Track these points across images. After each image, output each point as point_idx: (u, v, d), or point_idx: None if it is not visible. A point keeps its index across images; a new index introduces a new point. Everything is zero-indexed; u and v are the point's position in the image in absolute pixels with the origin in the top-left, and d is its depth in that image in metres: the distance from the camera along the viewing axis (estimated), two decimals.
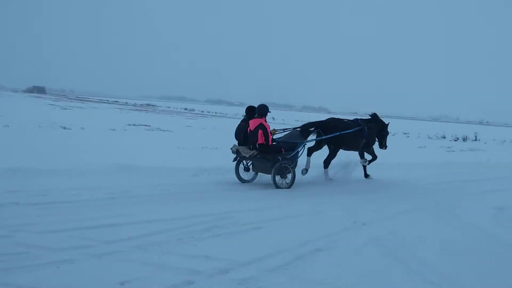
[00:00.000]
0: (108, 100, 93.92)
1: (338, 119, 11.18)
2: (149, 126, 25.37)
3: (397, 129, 47.87)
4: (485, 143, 31.90)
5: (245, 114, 10.05)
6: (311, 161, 10.46)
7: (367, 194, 9.08)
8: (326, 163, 10.57)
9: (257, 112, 9.53)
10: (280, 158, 9.19)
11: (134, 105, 77.03)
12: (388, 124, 11.91)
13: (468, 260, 5.21)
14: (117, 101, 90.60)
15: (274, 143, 9.46)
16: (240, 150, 9.42)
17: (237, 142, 9.91)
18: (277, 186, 9.17)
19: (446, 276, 4.64)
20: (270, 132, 9.31)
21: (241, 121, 10.06)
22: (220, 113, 67.80)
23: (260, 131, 9.08)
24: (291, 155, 9.57)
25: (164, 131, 23.06)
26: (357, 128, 10.79)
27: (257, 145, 9.13)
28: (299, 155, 9.96)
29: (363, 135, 10.90)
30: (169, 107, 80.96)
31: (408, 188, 10.21)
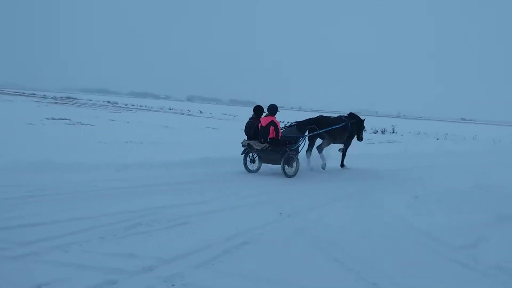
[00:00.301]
0: (24, 93, 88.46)
1: (326, 116, 12.99)
2: (70, 120, 24.26)
3: None
4: (401, 135, 33.81)
5: (253, 113, 11.38)
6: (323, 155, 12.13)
7: (294, 186, 9.31)
8: (320, 149, 12.16)
9: (268, 111, 10.91)
10: (288, 150, 10.54)
11: (53, 97, 73.28)
12: (364, 120, 13.85)
13: (385, 247, 5.48)
14: (34, 94, 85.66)
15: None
16: (251, 143, 10.70)
17: (246, 137, 11.16)
18: (286, 174, 10.44)
19: (365, 262, 4.84)
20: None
21: (250, 119, 11.31)
22: (146, 106, 66.34)
23: (271, 127, 10.50)
24: (295, 147, 10.94)
25: (85, 125, 22.15)
26: (343, 123, 12.63)
27: (268, 139, 10.42)
28: (300, 148, 11.30)
29: (347, 129, 12.77)
30: (91, 100, 77.98)
31: (331, 179, 10.59)
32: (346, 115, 13.45)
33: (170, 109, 61.34)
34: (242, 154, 10.96)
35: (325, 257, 4.97)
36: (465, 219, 6.91)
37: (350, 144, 13.20)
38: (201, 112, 57.15)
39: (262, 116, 11.02)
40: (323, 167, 11.99)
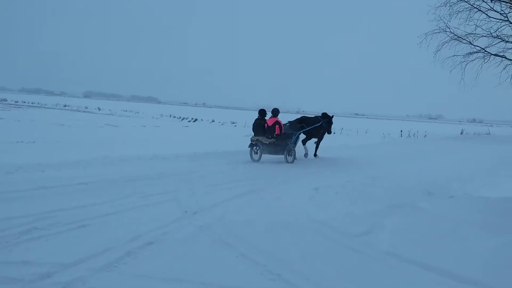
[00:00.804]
0: None
1: (308, 117, 16.11)
2: None
3: (226, 119, 49.77)
4: None
5: (258, 114, 14.13)
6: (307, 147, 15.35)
7: (197, 184, 9.22)
8: (304, 142, 15.33)
9: (273, 113, 14.03)
10: (288, 143, 13.78)
11: None
12: (333, 116, 16.76)
13: (289, 239, 5.67)
14: None
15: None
16: (260, 139, 13.71)
17: (253, 133, 14.06)
18: (287, 161, 13.68)
19: (270, 255, 4.99)
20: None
21: (256, 120, 14.13)
22: (38, 104, 62.19)
23: (277, 126, 13.66)
24: (292, 141, 14.11)
25: None
26: (320, 122, 15.70)
27: (274, 135, 13.51)
28: (297, 141, 14.64)
29: (322, 127, 15.85)
30: None
31: (236, 175, 10.67)
32: (320, 115, 16.53)
33: (65, 106, 58.07)
34: (249, 147, 13.85)
35: (231, 253, 5.03)
36: (360, 208, 7.34)
37: (323, 138, 16.24)
38: (99, 109, 54.83)
39: (267, 118, 14.03)
40: (306, 156, 15.21)
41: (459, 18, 8.10)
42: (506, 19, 7.62)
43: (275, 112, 14.00)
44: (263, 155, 13.99)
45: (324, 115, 16.54)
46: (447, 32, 8.24)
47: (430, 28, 8.31)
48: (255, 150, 13.92)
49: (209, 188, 8.78)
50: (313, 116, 16.56)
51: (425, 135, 37.83)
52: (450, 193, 9.17)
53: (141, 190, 8.14)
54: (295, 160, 13.86)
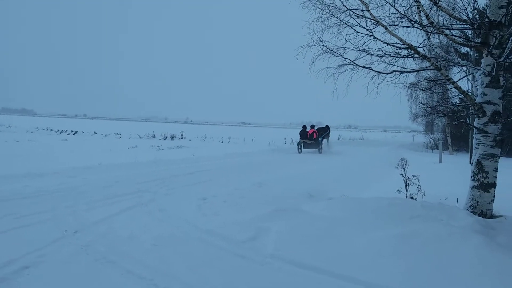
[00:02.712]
0: None
1: (321, 127, 27.95)
2: None
3: (109, 130, 47.85)
4: (190, 140, 35.05)
5: (302, 127, 26.03)
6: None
7: (77, 201, 8.74)
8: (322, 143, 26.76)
9: (311, 126, 25.99)
10: (319, 143, 25.25)
11: None
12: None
13: (177, 251, 5.63)
14: None
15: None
16: (305, 141, 25.17)
17: (299, 137, 25.77)
18: (319, 153, 24.80)
19: (157, 269, 4.91)
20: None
21: (301, 131, 25.85)
22: None
23: (314, 133, 25.20)
24: (320, 141, 25.42)
25: None
26: (329, 130, 28.39)
27: (313, 139, 25.03)
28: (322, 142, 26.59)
29: (329, 133, 28.49)
30: None
31: (120, 189, 10.30)
32: (324, 126, 28.91)
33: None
34: (297, 145, 25.41)
35: (116, 270, 4.86)
36: (248, 215, 7.47)
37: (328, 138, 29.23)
38: None
39: (308, 129, 25.69)
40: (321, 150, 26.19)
41: (331, 33, 8.68)
42: (371, 34, 8.31)
43: (313, 126, 26.23)
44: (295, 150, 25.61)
45: (327, 126, 29.05)
46: (320, 46, 8.77)
47: (305, 41, 8.79)
48: (300, 147, 25.25)
49: (91, 204, 8.36)
50: (323, 126, 28.89)
51: None
52: (329, 195, 9.75)
53: (14, 210, 7.48)
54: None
